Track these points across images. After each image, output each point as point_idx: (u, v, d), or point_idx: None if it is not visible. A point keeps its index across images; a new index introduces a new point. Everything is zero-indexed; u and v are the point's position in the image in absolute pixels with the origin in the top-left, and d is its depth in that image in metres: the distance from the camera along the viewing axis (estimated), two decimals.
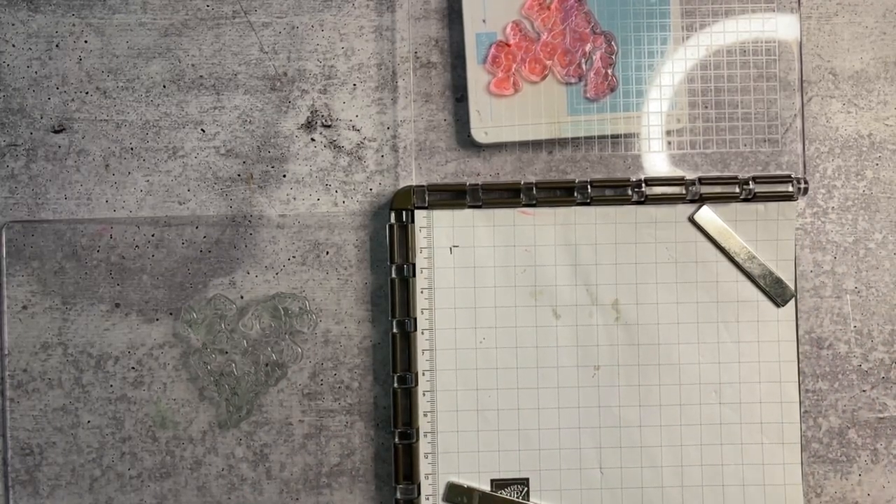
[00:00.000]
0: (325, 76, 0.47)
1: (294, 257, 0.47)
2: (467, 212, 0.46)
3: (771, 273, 0.46)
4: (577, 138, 0.46)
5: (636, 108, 0.46)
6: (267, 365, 0.46)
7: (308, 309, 0.47)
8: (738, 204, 0.46)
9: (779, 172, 0.47)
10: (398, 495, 0.45)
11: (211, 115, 0.47)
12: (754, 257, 0.46)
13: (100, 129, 0.47)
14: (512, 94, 0.46)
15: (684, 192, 0.46)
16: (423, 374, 0.45)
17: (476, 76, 0.46)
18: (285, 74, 0.47)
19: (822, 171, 0.48)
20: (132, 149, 0.47)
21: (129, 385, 0.46)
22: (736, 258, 0.46)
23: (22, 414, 0.46)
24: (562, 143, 0.47)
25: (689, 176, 0.46)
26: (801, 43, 0.47)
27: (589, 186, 0.46)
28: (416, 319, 0.45)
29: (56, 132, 0.47)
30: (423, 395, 0.45)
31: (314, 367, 0.47)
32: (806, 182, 0.47)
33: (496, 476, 0.46)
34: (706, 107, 0.47)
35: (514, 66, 0.46)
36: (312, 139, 0.47)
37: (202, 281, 0.47)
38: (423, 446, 0.45)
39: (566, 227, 0.46)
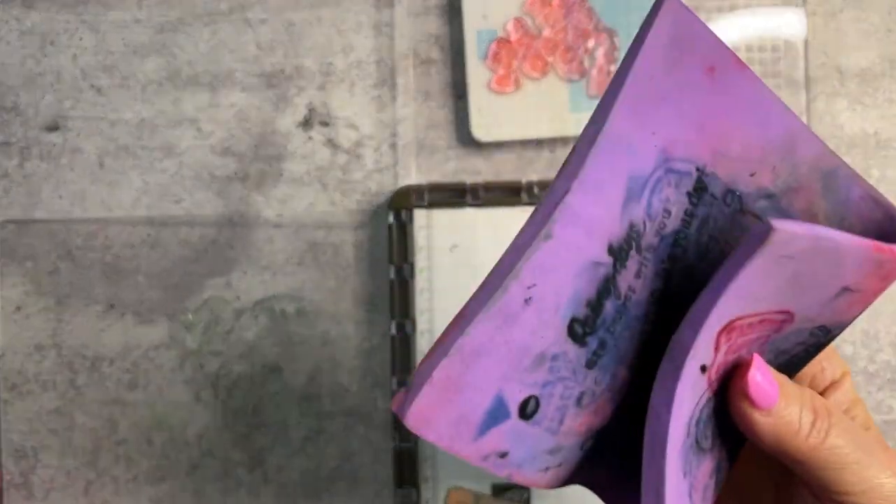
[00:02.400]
0: (322, 73, 0.47)
1: (291, 257, 0.46)
2: (467, 211, 0.45)
3: None
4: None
5: None
6: (264, 367, 0.46)
7: (306, 310, 0.46)
8: None
9: None
10: (398, 499, 0.45)
11: (207, 112, 0.46)
12: None
13: (94, 128, 0.46)
14: (513, 92, 0.45)
15: None
16: None
17: (476, 73, 0.45)
18: (282, 71, 0.47)
19: None
20: (127, 147, 0.46)
21: (125, 387, 0.46)
22: None
23: (16, 416, 0.46)
24: (564, 140, 0.46)
25: None
26: (806, 40, 0.47)
27: None
28: (415, 321, 0.45)
29: (50, 130, 0.46)
30: None
31: (312, 369, 0.46)
32: None
33: (497, 480, 0.45)
34: None
35: (516, 62, 0.45)
36: (310, 137, 0.47)
37: (198, 281, 0.46)
38: (424, 449, 0.45)
39: None
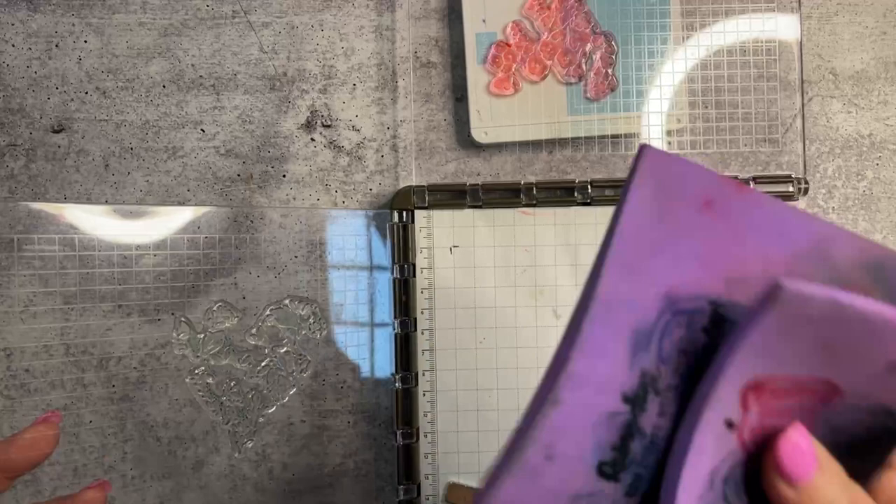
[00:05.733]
0: (324, 76, 0.47)
1: (296, 257, 0.47)
2: (467, 212, 0.46)
3: None
4: (577, 138, 0.46)
5: (636, 108, 0.46)
6: (269, 365, 0.47)
7: (319, 314, 0.47)
8: None
9: (779, 172, 0.47)
10: (400, 496, 0.45)
11: (211, 114, 0.47)
12: None
13: (99, 129, 0.47)
14: (512, 94, 0.46)
15: None
16: (424, 374, 0.46)
17: (476, 76, 0.46)
18: (285, 74, 0.47)
19: (823, 171, 0.48)
20: (132, 149, 0.47)
21: (132, 385, 0.47)
22: None
23: (24, 414, 0.46)
24: (562, 143, 0.47)
25: None
26: (801, 43, 0.47)
27: (589, 186, 0.46)
28: (416, 319, 0.46)
29: (56, 132, 0.47)
30: (424, 395, 0.46)
31: (316, 367, 0.47)
32: (806, 182, 0.47)
33: None
34: (706, 107, 0.47)
35: (514, 66, 0.46)
36: (312, 139, 0.47)
37: (203, 281, 0.47)
38: (424, 446, 0.46)
39: (566, 227, 0.46)
